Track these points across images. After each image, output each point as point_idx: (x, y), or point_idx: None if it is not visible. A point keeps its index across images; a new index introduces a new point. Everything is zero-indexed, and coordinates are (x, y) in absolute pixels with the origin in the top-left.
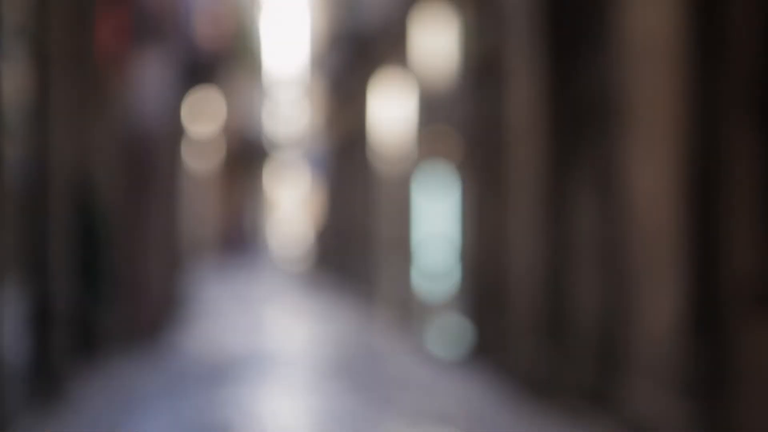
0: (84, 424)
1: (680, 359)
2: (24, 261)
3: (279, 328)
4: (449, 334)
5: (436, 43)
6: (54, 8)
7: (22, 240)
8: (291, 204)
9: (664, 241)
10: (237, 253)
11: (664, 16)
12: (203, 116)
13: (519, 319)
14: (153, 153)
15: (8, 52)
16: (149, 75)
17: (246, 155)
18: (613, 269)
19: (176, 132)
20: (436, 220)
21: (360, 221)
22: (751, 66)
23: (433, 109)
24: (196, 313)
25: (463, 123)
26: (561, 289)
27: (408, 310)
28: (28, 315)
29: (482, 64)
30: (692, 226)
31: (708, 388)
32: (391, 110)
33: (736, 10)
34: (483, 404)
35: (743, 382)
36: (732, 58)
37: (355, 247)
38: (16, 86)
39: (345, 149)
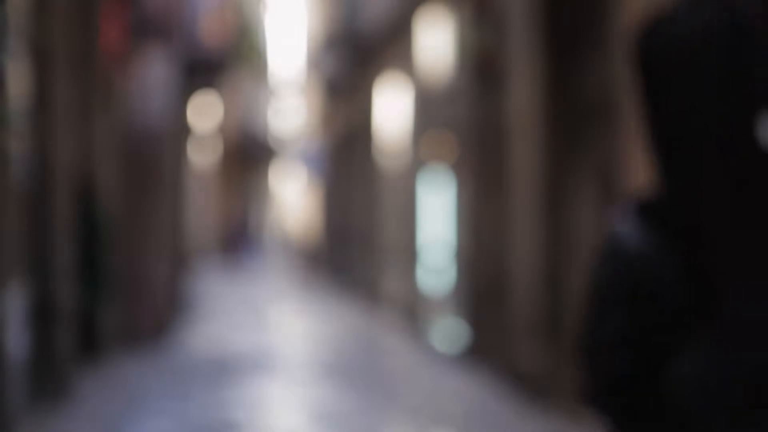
0: (88, 422)
1: None
2: (28, 260)
3: (282, 327)
4: (450, 332)
5: (436, 44)
6: (58, 7)
7: (27, 239)
8: (294, 203)
9: None
10: (240, 251)
11: None
12: (207, 115)
13: (518, 319)
14: (157, 152)
15: (13, 51)
16: (153, 73)
17: (249, 154)
18: None
19: (180, 131)
20: (436, 219)
21: (362, 220)
22: None
23: (433, 110)
24: (200, 311)
25: (463, 123)
26: (560, 289)
27: (410, 309)
28: (32, 313)
29: (482, 64)
30: None
31: None
32: (392, 111)
33: None
34: (482, 402)
35: None
36: None
37: (357, 246)
38: (20, 85)
39: (347, 149)
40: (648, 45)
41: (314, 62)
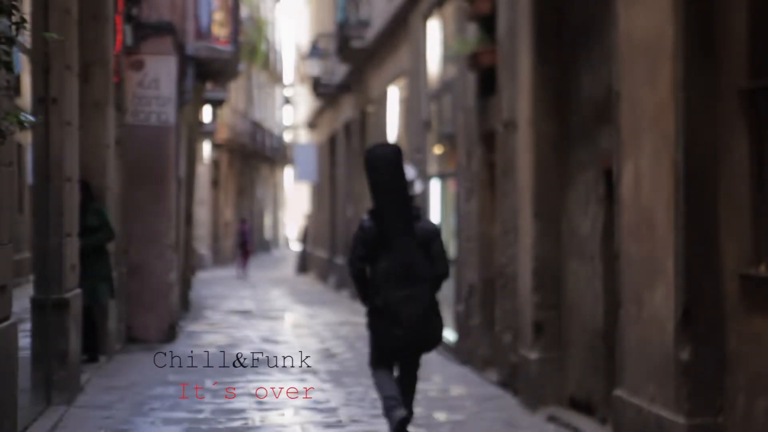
0: (96, 419)
1: (677, 360)
2: (36, 256)
3: (288, 326)
4: (452, 328)
5: (435, 45)
6: (68, 2)
7: (35, 239)
8: (299, 203)
9: (661, 240)
10: (247, 252)
11: (662, 16)
12: (214, 112)
13: (520, 317)
14: (164, 150)
15: (23, 47)
16: (160, 69)
17: (257, 154)
18: (612, 270)
19: (188, 128)
20: (437, 217)
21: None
22: (744, 66)
23: (428, 110)
24: (206, 313)
25: (460, 123)
26: (559, 289)
27: None
28: (42, 312)
29: (481, 65)
30: (688, 226)
31: (704, 390)
32: (392, 112)
33: (730, 11)
34: (489, 393)
35: (739, 384)
36: (725, 59)
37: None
38: (30, 80)
39: (349, 150)
40: (368, 157)
41: (311, 62)
